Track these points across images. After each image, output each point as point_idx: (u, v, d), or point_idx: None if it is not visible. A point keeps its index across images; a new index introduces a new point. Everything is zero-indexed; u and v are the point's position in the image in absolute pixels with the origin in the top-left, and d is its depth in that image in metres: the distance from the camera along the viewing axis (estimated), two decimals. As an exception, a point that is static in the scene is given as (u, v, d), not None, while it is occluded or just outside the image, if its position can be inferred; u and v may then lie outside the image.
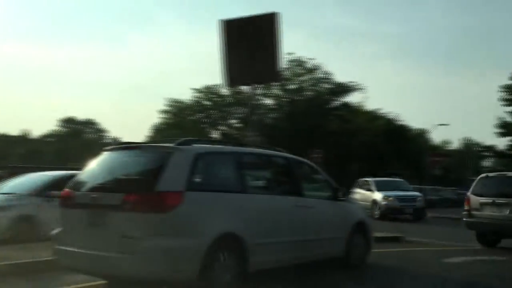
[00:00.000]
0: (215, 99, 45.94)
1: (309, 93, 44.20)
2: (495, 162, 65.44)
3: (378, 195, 19.71)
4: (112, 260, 4.99)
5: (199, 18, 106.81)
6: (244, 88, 13.00)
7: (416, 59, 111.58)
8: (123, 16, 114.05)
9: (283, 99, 44.53)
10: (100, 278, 5.81)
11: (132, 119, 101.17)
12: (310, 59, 42.57)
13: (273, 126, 43.28)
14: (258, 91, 45.26)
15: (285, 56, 43.22)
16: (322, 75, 43.34)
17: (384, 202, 19.38)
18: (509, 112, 32.09)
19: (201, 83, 46.39)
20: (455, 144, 77.16)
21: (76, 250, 5.31)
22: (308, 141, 35.33)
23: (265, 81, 10.86)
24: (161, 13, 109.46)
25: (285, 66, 43.26)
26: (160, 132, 49.71)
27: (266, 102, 45.31)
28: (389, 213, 19.07)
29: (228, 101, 44.85)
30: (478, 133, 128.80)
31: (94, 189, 5.55)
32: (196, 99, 46.11)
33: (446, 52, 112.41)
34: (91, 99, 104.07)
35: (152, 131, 53.12)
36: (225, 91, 44.48)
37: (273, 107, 45.23)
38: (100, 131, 76.44)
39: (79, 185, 5.80)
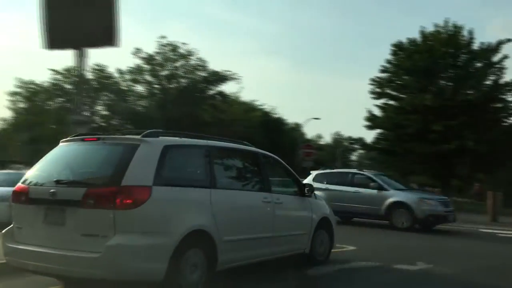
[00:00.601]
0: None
1: (182, 80, 41.91)
2: (363, 154, 68.89)
3: (405, 196, 13.96)
4: (73, 260, 4.68)
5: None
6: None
7: (294, 57, 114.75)
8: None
9: (154, 86, 41.66)
10: (57, 279, 5.44)
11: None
12: (184, 43, 40.35)
13: (143, 114, 40.44)
14: (127, 76, 42.14)
15: (158, 40, 40.73)
16: (196, 62, 41.34)
17: (426, 207, 13.66)
18: (377, 105, 32.73)
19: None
20: (327, 139, 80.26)
21: (31, 249, 4.98)
22: (180, 131, 33.04)
23: (96, 43, 8.45)
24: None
25: (156, 50, 40.79)
26: (14, 119, 43.99)
27: (136, 88, 42.30)
28: (429, 223, 13.89)
29: (93, 85, 40.77)
30: (350, 128, 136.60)
31: (51, 183, 5.15)
32: (55, 81, 41.31)
33: (323, 51, 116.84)
34: None
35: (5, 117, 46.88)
36: (90, 74, 40.48)
37: (144, 94, 42.18)
38: None
39: (34, 179, 5.43)
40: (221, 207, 5.56)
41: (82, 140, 5.58)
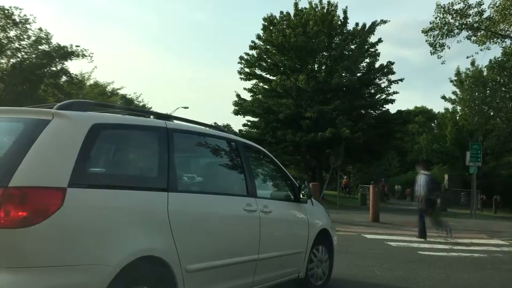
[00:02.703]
0: None
1: (18, 54, 34.44)
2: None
3: None
4: None
5: None
6: None
7: (168, 48, 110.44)
8: None
9: (-20, 59, 33.72)
10: None
11: None
12: (17, 8, 32.97)
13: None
14: None
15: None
16: (36, 33, 34.14)
17: None
18: (246, 88, 28.93)
19: None
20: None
21: None
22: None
23: None
24: None
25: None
26: None
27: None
28: None
29: None
30: (227, 120, 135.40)
31: None
32: None
33: (200, 43, 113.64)
34: None
35: None
36: None
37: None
38: None
39: None
40: (183, 219, 3.75)
41: None
